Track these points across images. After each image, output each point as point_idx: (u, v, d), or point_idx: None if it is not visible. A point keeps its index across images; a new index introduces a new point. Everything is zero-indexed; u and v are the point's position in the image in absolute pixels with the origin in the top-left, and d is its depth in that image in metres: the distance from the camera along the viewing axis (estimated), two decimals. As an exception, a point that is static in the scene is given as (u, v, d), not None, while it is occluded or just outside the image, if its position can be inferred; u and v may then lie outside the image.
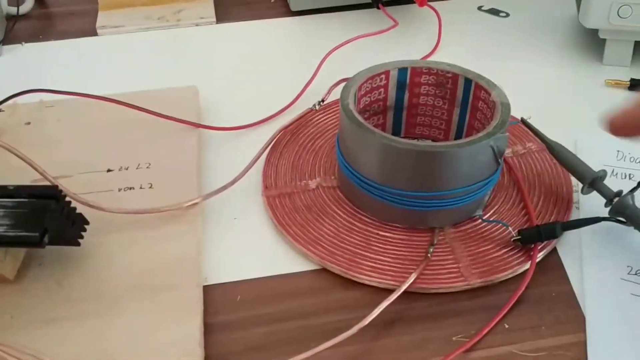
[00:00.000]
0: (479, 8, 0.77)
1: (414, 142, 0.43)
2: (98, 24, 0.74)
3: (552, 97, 0.62)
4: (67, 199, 0.41)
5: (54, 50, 0.72)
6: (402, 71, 0.51)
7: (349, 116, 0.45)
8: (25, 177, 0.49)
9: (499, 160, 0.45)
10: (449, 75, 0.50)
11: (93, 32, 0.74)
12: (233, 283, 0.44)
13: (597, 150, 0.53)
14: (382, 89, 0.51)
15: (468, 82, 0.49)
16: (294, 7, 0.75)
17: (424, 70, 0.50)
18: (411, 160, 0.43)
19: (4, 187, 0.40)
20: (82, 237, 0.42)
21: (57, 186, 0.40)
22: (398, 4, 0.76)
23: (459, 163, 0.43)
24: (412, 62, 0.51)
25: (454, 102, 0.51)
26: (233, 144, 0.56)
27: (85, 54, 0.71)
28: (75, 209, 0.41)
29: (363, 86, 0.49)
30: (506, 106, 0.46)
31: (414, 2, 0.73)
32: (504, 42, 0.71)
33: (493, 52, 0.69)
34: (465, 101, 0.50)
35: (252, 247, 0.47)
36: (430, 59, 0.67)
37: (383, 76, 0.50)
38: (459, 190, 0.44)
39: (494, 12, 0.76)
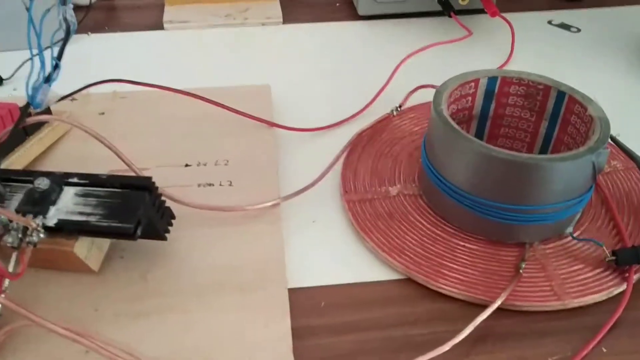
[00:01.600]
0: (549, 22, 0.76)
1: (514, 153, 0.41)
2: (165, 18, 0.74)
3: (631, 115, 0.60)
4: (158, 190, 0.40)
5: (120, 42, 0.71)
6: (492, 80, 0.49)
7: (443, 121, 0.44)
8: (101, 169, 0.48)
9: (597, 176, 0.43)
10: (541, 87, 0.49)
11: (159, 26, 0.74)
12: (316, 288, 0.43)
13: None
14: (469, 97, 0.50)
15: (561, 94, 0.48)
16: (361, 12, 0.74)
17: (515, 81, 0.49)
18: (509, 171, 0.41)
19: (97, 176, 0.40)
20: (168, 231, 0.41)
21: (150, 178, 0.39)
22: (468, 14, 0.75)
23: (557, 178, 0.41)
24: (502, 72, 0.49)
25: (542, 115, 0.50)
26: (307, 145, 0.56)
27: (151, 48, 0.70)
28: (164, 201, 0.41)
29: (453, 93, 0.48)
30: (605, 122, 0.44)
31: (485, 12, 0.72)
32: (576, 57, 0.70)
33: (565, 66, 0.68)
34: (556, 114, 0.49)
35: (333, 252, 0.46)
36: (504, 69, 0.66)
37: (472, 84, 0.49)
38: (553, 206, 0.43)
39: (565, 26, 0.75)
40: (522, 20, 0.76)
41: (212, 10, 0.75)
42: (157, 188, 0.39)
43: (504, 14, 0.73)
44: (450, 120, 0.44)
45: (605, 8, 0.79)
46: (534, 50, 0.70)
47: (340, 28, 0.74)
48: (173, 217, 0.42)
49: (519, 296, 0.41)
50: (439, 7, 0.73)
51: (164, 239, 0.41)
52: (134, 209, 0.38)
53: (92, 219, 0.38)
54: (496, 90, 0.50)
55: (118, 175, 0.40)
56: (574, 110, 0.47)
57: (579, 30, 0.74)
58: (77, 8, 0.75)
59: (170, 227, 0.42)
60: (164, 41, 0.72)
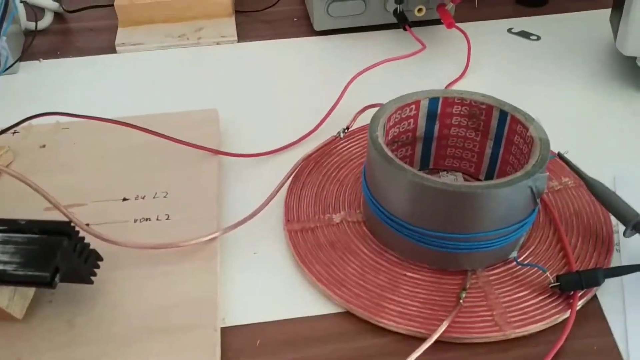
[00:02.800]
0: (509, 30, 0.74)
1: (448, 181, 0.40)
2: (117, 41, 0.73)
3: (588, 126, 0.59)
4: (81, 234, 0.39)
5: (72, 68, 0.70)
6: (434, 101, 0.48)
7: (378, 150, 0.43)
8: (39, 205, 0.47)
9: (537, 200, 0.42)
10: (483, 106, 0.47)
11: (112, 50, 0.72)
12: (252, 325, 0.42)
13: (637, 187, 0.51)
14: (411, 120, 0.49)
15: (504, 114, 0.47)
16: (317, 27, 0.73)
17: (457, 101, 0.48)
18: (444, 200, 0.40)
19: (15, 222, 0.38)
20: (95, 274, 0.40)
21: (69, 222, 0.38)
22: (425, 25, 0.74)
23: (495, 204, 0.40)
24: (444, 92, 0.48)
25: (487, 135, 0.49)
26: (254, 171, 0.54)
27: (104, 72, 0.69)
28: (88, 245, 0.39)
29: (392, 117, 0.47)
30: (545, 143, 0.43)
31: (442, 24, 0.71)
32: (535, 66, 0.68)
33: (524, 77, 0.66)
34: (500, 134, 0.48)
35: (272, 286, 0.44)
36: (459, 83, 0.65)
37: (413, 106, 0.48)
38: (493, 233, 0.41)
39: (525, 34, 0.73)
40: (482, 29, 0.74)
41: (166, 30, 0.74)
42: (77, 232, 0.38)
43: (463, 24, 0.72)
44: (385, 148, 0.43)
45: (567, 13, 0.78)
46: (493, 61, 0.69)
47: (296, 44, 0.73)
48: (100, 259, 0.41)
49: (459, 328, 0.40)
50: (395, 20, 0.72)
51: (90, 282, 0.40)
52: (50, 256, 0.36)
53: (8, 267, 0.37)
54: (439, 111, 0.49)
55: (37, 220, 0.38)
56: (516, 130, 0.46)
57: (538, 38, 0.73)
58: (28, 33, 0.74)
59: (97, 270, 0.40)
60: (116, 65, 0.70)
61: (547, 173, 0.41)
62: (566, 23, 0.76)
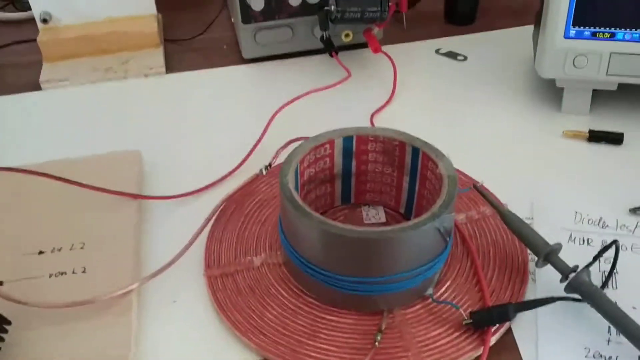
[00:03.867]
0: (437, 51, 0.75)
1: (354, 227, 0.40)
2: (42, 77, 0.71)
3: (510, 146, 0.60)
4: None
5: (-5, 107, 0.69)
6: (348, 139, 0.48)
7: (287, 196, 0.43)
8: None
9: (447, 239, 0.43)
10: (396, 143, 0.48)
11: (37, 86, 0.71)
12: (169, 380, 0.42)
13: (554, 212, 0.52)
14: (327, 158, 0.49)
15: (415, 150, 0.47)
16: (246, 55, 0.73)
17: (370, 138, 0.48)
18: (353, 245, 0.40)
19: None
20: (2, 339, 0.39)
21: (-31, 292, 0.37)
22: (353, 49, 0.74)
23: (403, 248, 0.41)
24: (357, 130, 0.48)
25: (402, 170, 0.49)
26: (177, 213, 0.54)
27: (27, 111, 0.68)
28: (-7, 311, 0.38)
29: (306, 158, 0.47)
30: (453, 180, 0.43)
31: (368, 47, 0.71)
32: (462, 86, 0.69)
33: (450, 97, 0.67)
34: (415, 169, 0.48)
35: (191, 336, 0.44)
36: (386, 108, 0.65)
37: (327, 146, 0.48)
38: (406, 274, 0.42)
39: (452, 55, 0.74)
40: (410, 50, 0.75)
41: (92, 64, 0.73)
42: (-22, 301, 0.37)
43: (392, 46, 0.73)
44: (294, 193, 0.43)
45: (494, 31, 0.79)
46: (420, 83, 0.70)
47: (225, 74, 0.73)
48: (7, 322, 0.40)
49: (374, 372, 0.40)
50: (322, 45, 0.72)
51: (-3, 349, 0.39)
52: (-52, 330, 0.35)
53: None
54: (354, 149, 0.49)
55: None
56: (428, 166, 0.46)
57: (465, 58, 0.74)
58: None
59: (4, 335, 0.39)
60: (41, 103, 0.69)
61: (454, 213, 0.42)
62: (493, 42, 0.77)
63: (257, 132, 0.60)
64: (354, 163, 0.50)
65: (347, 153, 0.49)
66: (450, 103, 0.67)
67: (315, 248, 0.42)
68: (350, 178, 0.51)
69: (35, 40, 0.73)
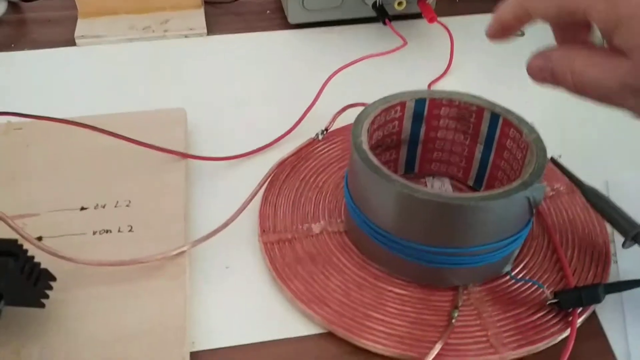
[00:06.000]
0: (492, 25, 0.71)
1: (439, 193, 0.37)
2: (77, 33, 0.67)
3: (577, 128, 0.56)
4: (31, 252, 0.34)
5: (27, 61, 0.65)
6: (420, 102, 0.45)
7: (362, 157, 0.39)
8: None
9: (533, 212, 0.39)
10: (473, 108, 0.44)
11: (71, 42, 0.67)
12: (225, 350, 0.38)
13: (632, 190, 0.48)
14: (396, 122, 0.45)
15: (495, 117, 0.43)
16: (292, 20, 0.69)
17: (445, 102, 0.45)
18: (435, 213, 0.37)
19: (-47, 240, 0.34)
20: (46, 296, 0.36)
21: (16, 240, 0.34)
22: (406, 19, 0.70)
23: (489, 217, 0.37)
24: (431, 93, 0.45)
25: (476, 138, 0.45)
26: (225, 176, 0.50)
27: (62, 67, 0.64)
28: (38, 264, 0.35)
29: (376, 120, 0.43)
30: (541, 149, 0.40)
31: (423, 17, 0.67)
32: (520, 64, 0.65)
33: (508, 74, 0.63)
34: (491, 138, 0.44)
35: (246, 304, 0.41)
36: (442, 81, 0.62)
37: (398, 108, 0.44)
38: (487, 247, 0.38)
39: (508, 30, 0.70)
40: (463, 24, 0.71)
41: (129, 22, 0.69)
42: (25, 251, 0.34)
43: (444, 18, 0.69)
44: (370, 155, 0.39)
45: (550, 8, 0.75)
46: (476, 58, 0.66)
47: (269, 38, 0.69)
48: (52, 278, 0.36)
49: (452, 351, 0.37)
50: (374, 13, 0.68)
51: (41, 306, 0.36)
52: (-6, 280, 0.32)
53: (-55, 293, 0.32)
54: (425, 113, 0.45)
55: (-23, 238, 0.34)
56: (509, 134, 0.43)
57: (522, 33, 0.70)
58: (-21, 24, 0.68)
59: (49, 292, 0.36)
60: (75, 59, 0.65)
61: (545, 183, 0.38)
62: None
63: (307, 97, 0.56)
64: (423, 129, 0.46)
65: (417, 117, 0.45)
66: (507, 80, 0.63)
67: (391, 214, 0.39)
68: (416, 145, 0.47)
69: (70, -6, 0.70)
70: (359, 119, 0.42)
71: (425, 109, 0.45)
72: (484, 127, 0.44)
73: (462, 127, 0.45)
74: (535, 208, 0.39)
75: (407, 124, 0.46)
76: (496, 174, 0.45)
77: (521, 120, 0.42)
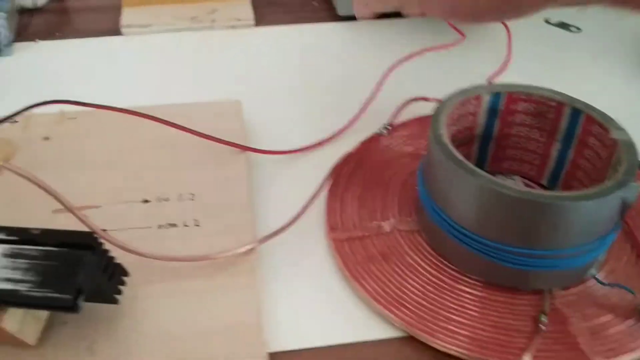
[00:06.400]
0: (546, 21, 0.69)
1: (530, 191, 0.35)
2: (123, 22, 0.66)
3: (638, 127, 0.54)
4: (105, 246, 0.33)
5: (72, 50, 0.63)
6: (496, 96, 0.43)
7: (444, 151, 0.37)
8: (45, 207, 0.41)
9: (624, 214, 0.37)
10: (553, 103, 0.42)
11: (116, 31, 0.66)
12: (300, 352, 0.36)
13: None
14: (471, 116, 0.43)
15: (576, 113, 0.41)
16: (341, 12, 0.67)
17: (522, 97, 0.43)
18: (524, 212, 0.35)
19: (27, 231, 0.32)
20: (120, 292, 0.34)
21: (93, 233, 0.32)
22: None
23: (581, 218, 0.35)
24: (507, 87, 0.43)
25: (554, 135, 0.43)
26: (285, 170, 0.49)
27: (108, 56, 0.63)
28: (113, 259, 0.33)
29: (455, 113, 0.41)
30: (631, 147, 0.38)
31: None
32: (578, 60, 0.63)
33: (565, 71, 0.61)
34: (570, 135, 0.42)
35: (319, 304, 0.39)
36: (500, 76, 0.60)
37: (474, 101, 0.42)
38: (575, 249, 0.36)
39: (564, 26, 0.69)
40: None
41: (176, 12, 0.68)
42: (101, 244, 0.32)
43: (496, 13, 0.67)
44: (452, 149, 0.37)
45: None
46: (532, 54, 0.64)
47: (318, 30, 0.67)
48: (125, 274, 0.35)
49: (542, 358, 0.35)
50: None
51: (115, 302, 0.34)
52: (73, 274, 0.30)
53: (22, 287, 0.31)
54: (501, 108, 0.43)
55: (53, 230, 0.32)
56: (592, 131, 0.41)
57: (579, 30, 0.68)
58: (23, 12, 0.67)
59: (122, 287, 0.34)
60: (121, 48, 0.64)
61: (639, 182, 0.36)
62: (605, 15, 0.71)
63: (360, 91, 0.54)
64: (497, 124, 0.44)
65: (492, 112, 0.43)
66: (565, 76, 0.60)
67: (475, 212, 0.37)
68: (489, 142, 0.45)
69: (115, -17, 0.68)
70: (437, 112, 0.40)
71: (501, 104, 0.43)
72: (564, 124, 0.42)
73: (539, 123, 0.43)
74: (627, 209, 0.37)
75: (481, 119, 0.44)
76: (575, 173, 0.43)
77: (605, 116, 0.40)
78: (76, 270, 0.30)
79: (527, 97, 0.43)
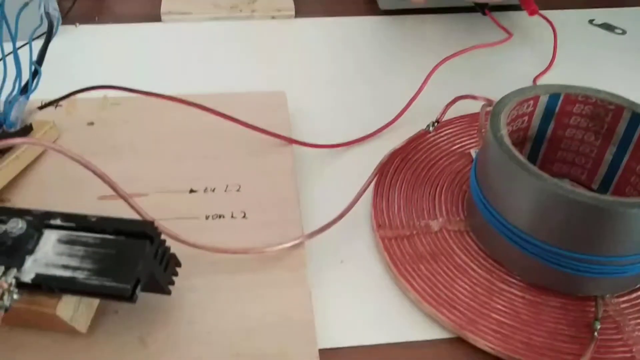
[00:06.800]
0: (590, 22, 0.68)
1: (597, 196, 0.34)
2: (163, 9, 0.65)
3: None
4: (162, 236, 0.33)
5: (112, 35, 0.63)
6: (554, 97, 0.42)
7: (505, 151, 0.36)
8: (90, 193, 0.41)
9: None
10: (611, 107, 0.41)
11: (153, 17, 0.65)
12: (348, 350, 0.36)
13: None
14: (526, 117, 0.42)
15: (636, 117, 0.41)
16: (383, 6, 0.67)
17: (580, 99, 0.42)
18: (588, 217, 0.34)
19: (85, 218, 0.32)
20: (173, 283, 0.34)
21: (152, 222, 0.32)
22: (502, 10, 0.67)
23: (644, 224, 0.34)
24: (565, 88, 0.42)
25: (610, 139, 0.43)
26: (330, 164, 0.48)
27: (148, 43, 0.62)
28: (169, 249, 0.33)
29: (511, 113, 0.40)
30: (696, 154, 0.37)
31: (521, 9, 0.64)
32: (623, 63, 0.62)
33: (611, 73, 0.60)
34: (628, 139, 0.42)
35: (366, 302, 0.38)
36: (545, 76, 0.59)
37: (531, 102, 0.42)
38: (634, 257, 0.36)
39: (608, 27, 0.67)
40: (561, 19, 0.68)
41: (216, 0, 0.67)
42: (159, 234, 0.32)
43: (544, 12, 0.66)
44: (514, 150, 0.36)
45: (651, 6, 0.72)
46: (576, 54, 0.63)
47: (359, 24, 0.66)
48: (178, 264, 0.34)
49: (595, 366, 0.34)
50: (465, 3, 0.65)
51: (168, 293, 0.34)
52: (131, 264, 0.30)
53: (79, 275, 0.30)
54: (557, 110, 0.42)
55: (111, 218, 0.32)
56: (652, 136, 0.40)
57: (624, 32, 0.67)
58: (62, -5, 0.67)
59: (175, 278, 0.34)
60: (161, 35, 0.64)
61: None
62: (651, 17, 0.70)
63: (405, 86, 0.53)
64: (551, 126, 0.43)
65: (548, 113, 0.43)
66: (608, 78, 0.60)
67: (534, 215, 0.36)
68: (541, 143, 0.44)
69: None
70: (496, 111, 0.39)
71: (558, 105, 0.42)
72: (621, 128, 0.42)
73: (595, 126, 0.43)
74: (689, 218, 0.36)
75: (536, 120, 0.43)
76: (629, 178, 0.42)
77: (667, 122, 0.39)
78: (136, 260, 0.30)
79: (585, 99, 0.42)
